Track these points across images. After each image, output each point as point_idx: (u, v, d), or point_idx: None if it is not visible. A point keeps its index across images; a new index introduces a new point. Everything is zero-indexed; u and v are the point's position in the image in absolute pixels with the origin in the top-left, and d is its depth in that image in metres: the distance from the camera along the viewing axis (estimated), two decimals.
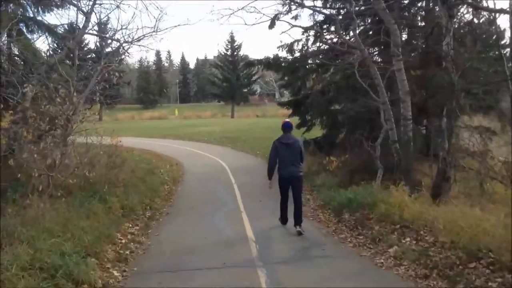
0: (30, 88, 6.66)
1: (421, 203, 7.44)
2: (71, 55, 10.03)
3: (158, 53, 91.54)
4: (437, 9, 9.88)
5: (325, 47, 13.99)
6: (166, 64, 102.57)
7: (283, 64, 15.18)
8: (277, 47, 15.03)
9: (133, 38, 8.95)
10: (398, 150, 9.44)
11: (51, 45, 10.54)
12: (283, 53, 15.02)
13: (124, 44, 9.69)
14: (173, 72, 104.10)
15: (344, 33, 13.64)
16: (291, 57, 15.04)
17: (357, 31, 11.75)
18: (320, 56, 14.59)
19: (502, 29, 13.58)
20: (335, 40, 12.67)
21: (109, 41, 8.53)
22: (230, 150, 21.60)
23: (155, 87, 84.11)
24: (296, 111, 16.72)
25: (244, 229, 7.93)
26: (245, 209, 9.81)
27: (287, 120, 8.24)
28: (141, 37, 9.14)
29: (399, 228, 6.49)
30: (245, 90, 63.10)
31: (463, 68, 9.13)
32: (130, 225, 7.76)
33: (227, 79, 60.61)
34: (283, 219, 8.02)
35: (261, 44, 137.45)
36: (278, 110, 61.01)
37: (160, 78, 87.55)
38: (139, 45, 9.14)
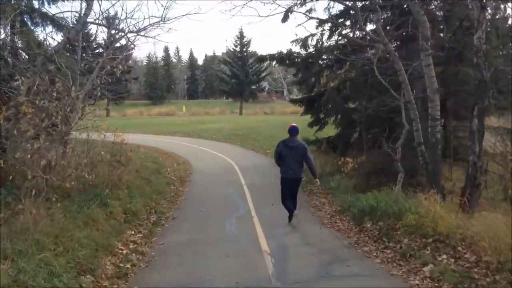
0: (24, 81, 5.99)
1: (450, 212, 6.73)
2: (74, 46, 9.42)
3: (166, 49, 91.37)
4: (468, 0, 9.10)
5: (341, 42, 13.25)
6: (174, 60, 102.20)
7: (296, 60, 14.47)
8: (291, 42, 14.39)
9: (139, 28, 8.23)
10: (424, 153, 8.70)
11: (49, 35, 9.86)
12: (296, 48, 14.32)
13: (129, 35, 9.00)
14: (181, 68, 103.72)
15: (358, 28, 12.91)
16: (305, 52, 14.33)
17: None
18: (336, 52, 13.84)
19: None
20: (352, 34, 11.92)
21: (113, 31, 7.80)
22: (239, 149, 20.93)
23: (163, 83, 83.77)
24: (309, 109, 16.02)
25: (257, 237, 7.26)
26: (256, 214, 9.14)
27: (294, 124, 8.42)
28: (148, 27, 8.42)
29: (431, 242, 5.77)
30: (254, 86, 62.37)
31: (495, 65, 8.40)
32: (133, 232, 7.12)
33: (236, 76, 59.92)
34: (290, 214, 8.36)
35: (271, 41, 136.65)
36: (286, 107, 60.90)
37: (168, 74, 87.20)
38: (146, 36, 8.41)
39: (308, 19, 10.19)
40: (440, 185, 8.58)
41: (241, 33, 60.91)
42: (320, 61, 14.43)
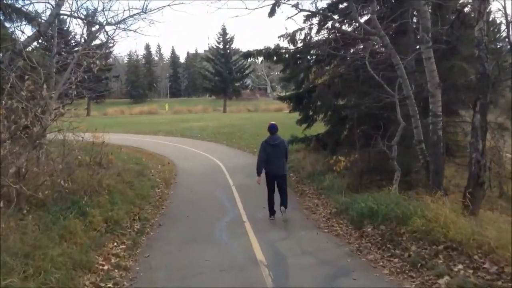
0: None
1: (453, 212, 6.28)
2: (49, 42, 8.68)
3: (147, 47, 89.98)
4: None
5: (330, 36, 12.75)
6: (156, 58, 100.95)
7: (284, 55, 13.93)
8: (278, 37, 13.91)
9: (118, 20, 7.51)
10: (424, 152, 8.26)
11: (18, 28, 9.06)
12: (284, 43, 13.82)
13: (107, 28, 8.24)
14: (163, 66, 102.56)
15: (349, 21, 12.48)
16: (293, 48, 13.79)
17: (369, 16, 10.62)
18: (326, 46, 13.35)
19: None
20: (344, 27, 11.44)
21: (89, 24, 7.09)
22: (225, 148, 20.34)
23: (145, 81, 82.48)
24: (297, 106, 15.51)
25: (251, 246, 6.72)
26: (248, 218, 8.61)
27: (273, 122, 8.71)
28: (128, 19, 7.71)
29: (443, 250, 5.30)
30: (238, 84, 61.71)
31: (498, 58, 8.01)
32: (115, 244, 6.49)
33: (219, 73, 59.17)
34: (271, 211, 8.63)
35: (256, 37, 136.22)
36: (270, 104, 60.57)
37: (150, 72, 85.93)
38: (126, 29, 7.70)
39: (299, 12, 9.68)
40: (441, 186, 8.11)
41: (224, 29, 60.15)
42: (308, 57, 13.90)
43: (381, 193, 8.07)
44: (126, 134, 27.89)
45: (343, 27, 11.44)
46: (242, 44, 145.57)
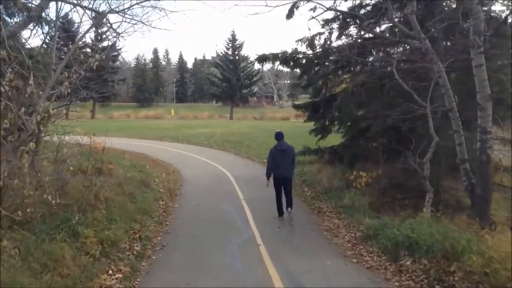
0: None
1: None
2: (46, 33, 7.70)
3: (155, 51, 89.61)
4: None
5: (354, 41, 11.80)
6: (163, 63, 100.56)
7: (301, 61, 12.97)
8: (296, 41, 12.84)
9: (123, 8, 6.46)
10: (468, 173, 7.23)
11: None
12: (302, 48, 12.85)
13: (110, 18, 7.33)
14: (170, 71, 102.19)
15: (372, 26, 11.54)
16: (311, 53, 12.84)
17: (397, 20, 9.66)
18: (350, 51, 12.41)
19: None
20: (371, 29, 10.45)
21: (89, 11, 6.13)
22: (233, 157, 19.32)
23: (152, 85, 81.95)
24: (313, 115, 14.55)
25: (270, 278, 5.72)
26: (263, 240, 7.60)
27: (279, 130, 9.56)
28: (134, 6, 6.65)
29: None
30: (245, 91, 60.84)
31: None
32: (110, 272, 5.49)
33: (227, 79, 58.39)
34: (280, 212, 9.27)
35: (268, 43, 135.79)
36: (276, 113, 59.68)
37: (157, 77, 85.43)
38: (132, 19, 6.63)
39: (325, 11, 8.70)
40: (487, 213, 7.07)
41: (233, 35, 59.54)
42: (327, 63, 12.94)
43: (417, 219, 7.03)
44: (130, 138, 27.00)
45: (372, 29, 10.43)
46: (251, 50, 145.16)
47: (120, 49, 60.23)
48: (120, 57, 63.26)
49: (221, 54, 61.34)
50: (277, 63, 12.87)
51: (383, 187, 10.85)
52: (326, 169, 13.69)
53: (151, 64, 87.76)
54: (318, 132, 14.42)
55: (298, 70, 13.55)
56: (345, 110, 10.51)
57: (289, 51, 12.66)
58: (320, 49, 12.61)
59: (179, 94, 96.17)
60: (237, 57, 59.70)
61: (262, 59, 12.57)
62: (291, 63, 13.02)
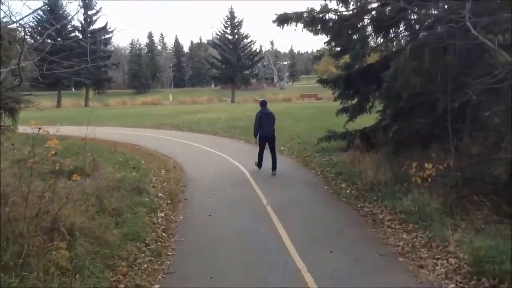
0: None
1: None
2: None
3: (150, 35, 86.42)
4: None
5: None
6: (159, 47, 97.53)
7: (331, 23, 10.12)
8: None
9: None
10: None
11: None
12: (332, 4, 10.01)
13: None
14: (166, 55, 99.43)
15: None
16: (345, 10, 10.02)
17: None
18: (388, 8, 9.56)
19: None
20: None
21: None
22: (243, 145, 16.50)
23: (148, 70, 78.99)
24: (345, 93, 11.75)
25: None
26: (315, 278, 4.92)
27: (263, 98, 12.64)
28: None
29: None
30: (247, 72, 57.63)
31: None
32: None
33: (227, 60, 55.23)
34: (260, 164, 11.32)
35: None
36: (277, 94, 56.75)
37: (153, 62, 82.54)
38: None
39: None
40: None
41: (231, 12, 56.02)
42: (366, 22, 10.11)
43: None
44: (125, 127, 24.28)
45: None
46: (252, 29, 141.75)
47: (112, 31, 57.32)
48: (112, 41, 60.20)
49: (220, 34, 57.94)
50: (301, 25, 9.98)
51: (455, 183, 8.13)
52: (362, 159, 10.99)
53: (146, 49, 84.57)
54: (352, 111, 11.64)
55: (326, 36, 10.63)
56: (404, 79, 7.74)
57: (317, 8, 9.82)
58: (357, 4, 9.78)
59: (177, 79, 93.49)
60: (236, 36, 56.36)
61: (283, 19, 9.69)
62: (318, 26, 10.16)
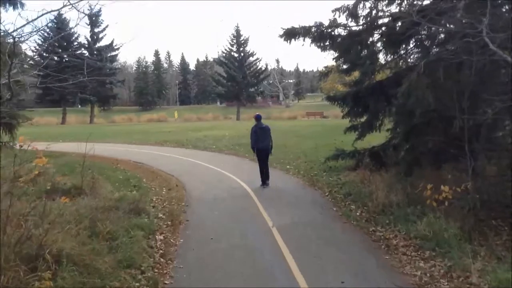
0: None
1: None
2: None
3: (157, 53, 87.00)
4: None
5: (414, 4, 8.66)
6: (165, 65, 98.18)
7: (339, 39, 9.80)
8: (333, 10, 9.75)
9: None
10: None
11: None
12: (341, 19, 9.77)
13: None
14: (172, 73, 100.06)
15: None
16: (355, 25, 9.70)
17: None
18: (398, 24, 9.24)
19: None
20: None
21: None
22: (249, 163, 16.02)
23: (154, 88, 79.34)
24: (353, 110, 11.35)
25: None
26: None
27: (258, 113, 12.19)
28: None
29: None
30: (252, 89, 57.49)
31: None
32: None
33: (233, 77, 55.14)
34: (263, 182, 11.56)
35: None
36: (283, 112, 56.43)
37: (159, 79, 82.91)
38: None
39: None
40: None
41: (237, 31, 56.21)
42: (376, 37, 9.78)
43: None
44: (129, 144, 23.98)
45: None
46: (257, 46, 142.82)
47: (118, 48, 57.57)
48: (118, 58, 60.44)
49: (226, 52, 58.03)
50: (309, 40, 9.65)
51: (473, 206, 7.64)
52: (372, 178, 10.53)
53: (152, 67, 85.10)
54: (361, 129, 11.23)
55: (334, 52, 10.30)
56: (418, 96, 7.32)
57: (326, 23, 9.51)
58: (367, 19, 9.46)
59: (182, 96, 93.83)
60: (242, 54, 56.41)
61: (290, 34, 9.37)
62: (327, 42, 9.83)
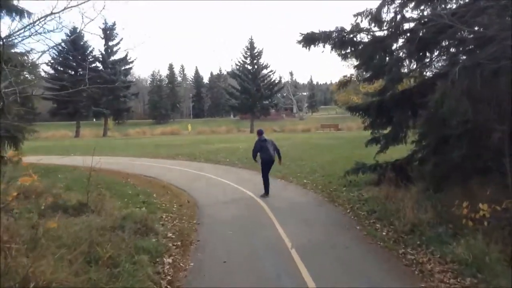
0: None
1: None
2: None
3: (171, 67, 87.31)
4: None
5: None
6: (179, 79, 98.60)
7: (361, 46, 9.16)
8: (354, 15, 9.13)
9: None
10: None
11: None
12: (364, 24, 9.13)
13: None
14: (186, 86, 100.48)
15: None
16: (378, 30, 9.06)
17: None
18: (423, 30, 8.55)
19: None
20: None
21: None
22: None
23: (168, 101, 79.51)
24: (376, 121, 10.64)
25: None
26: None
27: (260, 128, 12.82)
28: None
29: None
30: (266, 102, 56.97)
31: None
32: None
33: (247, 90, 54.75)
34: (266, 192, 11.67)
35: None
36: (297, 125, 55.73)
37: (173, 92, 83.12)
38: None
39: None
40: None
41: (251, 43, 55.93)
42: (401, 43, 9.11)
43: None
44: (140, 158, 23.50)
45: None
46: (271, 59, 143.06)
47: (132, 61, 57.77)
48: (133, 71, 60.64)
49: (239, 64, 57.74)
50: (329, 46, 9.03)
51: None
52: (396, 194, 9.78)
53: (166, 80, 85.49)
54: (385, 141, 10.50)
55: (356, 60, 9.65)
56: (455, 105, 6.61)
57: (347, 28, 8.88)
58: (391, 24, 8.81)
59: (196, 109, 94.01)
60: (256, 66, 56.05)
61: (309, 39, 8.76)
62: (349, 48, 9.19)
